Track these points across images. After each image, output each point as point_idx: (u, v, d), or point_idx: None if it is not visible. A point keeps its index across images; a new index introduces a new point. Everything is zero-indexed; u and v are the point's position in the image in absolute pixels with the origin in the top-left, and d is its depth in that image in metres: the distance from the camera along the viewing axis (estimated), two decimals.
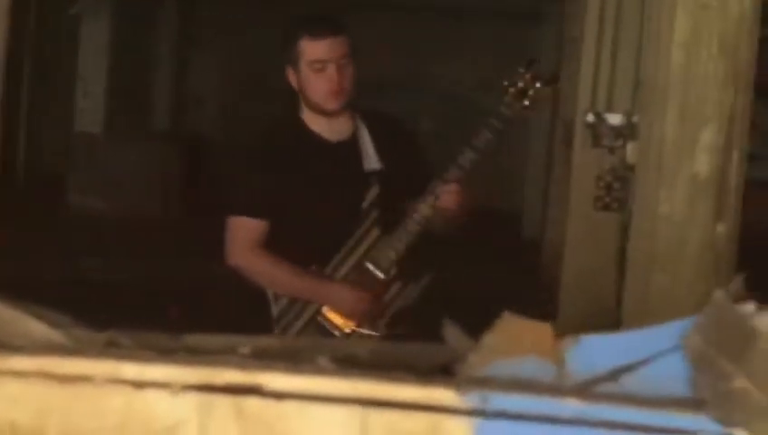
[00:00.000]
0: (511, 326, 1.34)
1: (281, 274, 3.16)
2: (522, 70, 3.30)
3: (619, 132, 5.46)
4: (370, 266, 3.16)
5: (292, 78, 3.13)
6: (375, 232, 3.18)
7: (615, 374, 1.31)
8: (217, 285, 3.27)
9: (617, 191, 3.42)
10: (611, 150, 5.44)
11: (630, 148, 4.91)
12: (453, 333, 1.35)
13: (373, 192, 3.18)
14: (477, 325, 1.40)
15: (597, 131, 5.57)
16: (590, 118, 5.63)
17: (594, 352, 1.33)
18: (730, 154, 2.39)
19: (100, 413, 1.30)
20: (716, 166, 2.37)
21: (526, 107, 3.24)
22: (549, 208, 7.35)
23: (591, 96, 6.12)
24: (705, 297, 2.39)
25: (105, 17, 9.06)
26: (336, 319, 3.18)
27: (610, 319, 3.05)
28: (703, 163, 2.39)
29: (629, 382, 1.32)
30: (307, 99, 3.14)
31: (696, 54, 2.20)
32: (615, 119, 5.52)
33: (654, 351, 1.32)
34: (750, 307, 1.32)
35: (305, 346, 1.37)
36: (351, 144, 3.21)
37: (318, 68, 3.05)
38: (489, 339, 1.33)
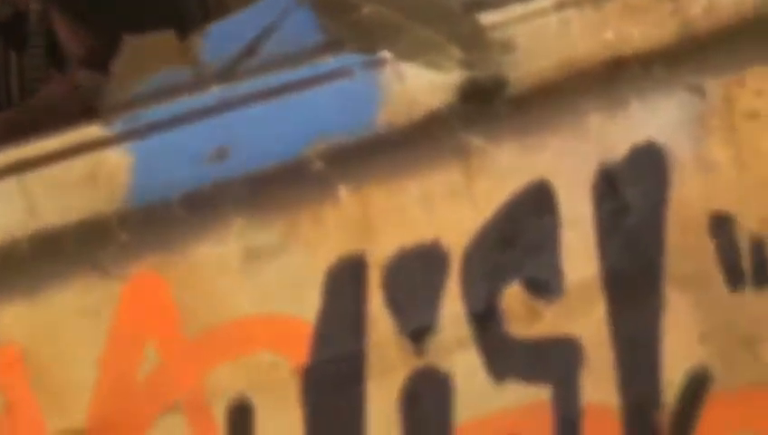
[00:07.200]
0: (136, 48, 1.29)
1: None
2: None
3: None
4: None
5: None
6: None
7: (251, 49, 1.28)
8: None
9: None
10: None
11: None
12: (86, 77, 1.30)
13: None
14: None
15: None
16: None
17: (226, 37, 1.29)
18: None
19: None
20: None
21: None
22: None
23: None
24: None
25: None
26: None
27: None
28: None
29: (268, 52, 1.30)
30: None
31: None
32: None
33: (278, 13, 1.30)
34: None
35: None
36: None
37: None
38: (118, 67, 1.28)
